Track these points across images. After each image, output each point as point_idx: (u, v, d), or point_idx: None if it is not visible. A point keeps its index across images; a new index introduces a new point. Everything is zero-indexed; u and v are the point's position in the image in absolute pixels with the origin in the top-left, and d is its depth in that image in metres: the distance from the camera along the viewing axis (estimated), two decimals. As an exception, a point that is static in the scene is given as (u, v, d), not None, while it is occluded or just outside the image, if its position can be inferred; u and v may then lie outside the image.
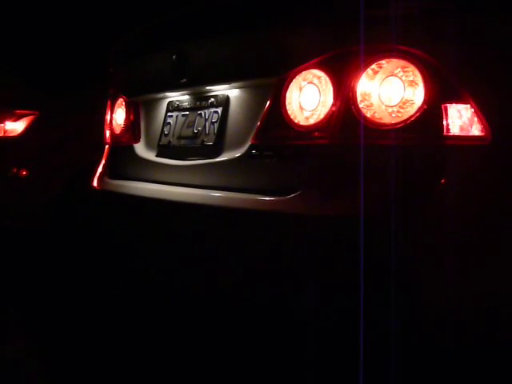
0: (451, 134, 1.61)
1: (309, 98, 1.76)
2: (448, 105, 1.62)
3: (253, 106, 1.96)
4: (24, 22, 4.88)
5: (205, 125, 2.12)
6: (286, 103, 1.81)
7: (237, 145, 1.96)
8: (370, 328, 1.54)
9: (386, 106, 1.65)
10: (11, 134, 4.19)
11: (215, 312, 2.41)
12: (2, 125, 4.18)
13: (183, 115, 2.26)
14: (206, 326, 2.59)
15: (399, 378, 1.57)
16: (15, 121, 4.19)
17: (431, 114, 1.61)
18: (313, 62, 1.76)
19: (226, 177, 1.97)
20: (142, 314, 2.89)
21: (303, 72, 1.78)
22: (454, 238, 1.59)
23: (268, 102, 1.86)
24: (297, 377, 2.06)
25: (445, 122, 1.61)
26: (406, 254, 1.54)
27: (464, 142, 1.63)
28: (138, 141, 2.52)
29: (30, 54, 4.62)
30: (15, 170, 4.18)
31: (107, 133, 2.75)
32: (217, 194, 1.94)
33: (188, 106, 2.25)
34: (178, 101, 2.31)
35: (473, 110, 1.63)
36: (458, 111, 1.63)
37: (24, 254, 4.19)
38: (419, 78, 1.63)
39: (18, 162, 4.21)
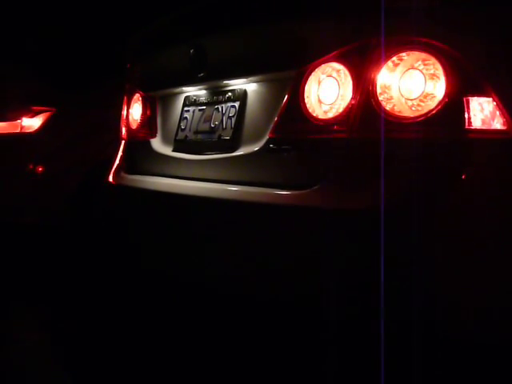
0: (473, 127, 1.59)
1: (328, 91, 1.75)
2: (470, 98, 1.59)
3: (271, 100, 1.94)
4: (40, 19, 4.90)
5: (222, 119, 2.11)
6: (305, 97, 1.79)
7: (254, 139, 1.95)
8: (391, 322, 1.52)
9: (406, 99, 1.63)
10: (28, 131, 4.20)
11: (236, 308, 2.40)
12: (19, 121, 4.20)
13: (200, 110, 2.25)
14: (226, 321, 2.58)
15: (421, 374, 1.56)
16: (32, 117, 4.21)
17: (452, 107, 1.59)
18: (332, 55, 1.74)
19: (243, 171, 1.95)
20: (159, 310, 2.89)
21: (322, 65, 1.76)
22: (475, 231, 1.57)
23: (286, 96, 1.85)
24: (318, 369, 2.05)
25: (466, 116, 1.58)
26: (428, 247, 1.52)
27: (486, 135, 1.60)
28: (154, 136, 2.51)
29: (47, 51, 4.64)
30: (32, 167, 4.20)
31: (123, 128, 2.75)
32: (234, 188, 1.93)
33: (205, 101, 2.24)
34: (194, 95, 2.31)
35: (495, 103, 1.60)
36: (480, 104, 1.60)
37: (41, 249, 4.21)
38: (440, 71, 1.60)
39: (34, 159, 4.22)
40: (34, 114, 4.21)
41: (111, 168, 2.70)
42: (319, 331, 1.80)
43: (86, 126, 4.28)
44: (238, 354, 2.38)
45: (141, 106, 2.61)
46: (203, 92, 2.27)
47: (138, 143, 2.60)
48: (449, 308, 1.58)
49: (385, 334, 1.53)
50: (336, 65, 1.73)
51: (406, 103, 1.62)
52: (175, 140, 2.34)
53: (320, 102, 1.76)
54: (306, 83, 1.79)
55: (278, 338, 2.31)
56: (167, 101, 2.49)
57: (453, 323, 1.61)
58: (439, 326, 1.61)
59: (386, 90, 1.64)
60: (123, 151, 2.73)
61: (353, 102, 1.68)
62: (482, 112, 1.60)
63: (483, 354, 1.67)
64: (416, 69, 1.62)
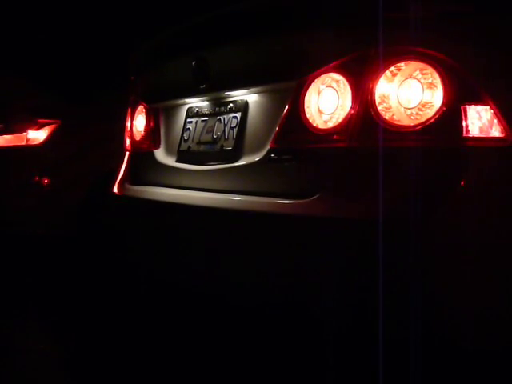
0: (471, 135, 1.60)
1: (327, 101, 1.77)
2: (467, 106, 1.61)
3: (272, 111, 1.97)
4: (46, 33, 4.96)
5: (224, 130, 2.14)
6: (305, 107, 1.81)
7: (256, 149, 1.97)
8: (390, 330, 1.54)
9: (404, 108, 1.65)
10: (34, 143, 4.24)
11: (238, 315, 2.42)
12: (24, 133, 4.24)
13: (202, 121, 2.28)
14: (229, 329, 2.60)
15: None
16: (37, 129, 4.24)
17: (450, 115, 1.61)
18: (331, 65, 1.76)
19: (245, 181, 1.98)
20: (164, 319, 2.91)
21: (321, 76, 1.79)
22: (474, 239, 1.58)
23: (287, 107, 1.87)
24: (317, 377, 2.06)
25: (464, 124, 1.60)
26: (426, 256, 1.53)
27: (484, 143, 1.62)
28: (158, 147, 2.54)
29: (52, 64, 4.69)
30: (37, 179, 4.24)
31: (128, 140, 2.78)
32: (236, 197, 1.95)
33: (207, 112, 2.27)
34: (197, 107, 2.34)
35: (492, 111, 1.62)
36: (478, 113, 1.62)
37: (48, 260, 4.24)
38: (438, 80, 1.63)
39: (40, 171, 4.26)
40: (39, 127, 4.25)
41: (116, 179, 2.73)
42: (318, 337, 1.82)
43: (90, 138, 4.31)
44: (246, 360, 2.40)
45: (144, 118, 2.64)
46: (205, 103, 2.30)
47: (142, 154, 2.63)
48: (447, 315, 1.60)
49: (384, 341, 1.54)
50: (335, 75, 1.76)
51: (405, 112, 1.65)
52: (178, 151, 2.37)
53: (320, 112, 1.79)
54: (306, 94, 1.81)
55: (281, 343, 2.33)
56: (170, 112, 2.52)
57: (452, 330, 1.62)
58: (439, 334, 1.62)
59: (385, 100, 1.66)
60: (127, 162, 2.76)
61: (352, 111, 1.70)
62: (479, 120, 1.62)
63: (483, 361, 1.68)
64: (414, 78, 1.65)
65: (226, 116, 2.15)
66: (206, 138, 2.22)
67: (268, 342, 2.42)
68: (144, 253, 2.48)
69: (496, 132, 1.63)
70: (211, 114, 2.24)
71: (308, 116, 1.80)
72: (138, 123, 2.69)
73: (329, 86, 1.77)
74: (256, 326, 2.40)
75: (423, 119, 1.62)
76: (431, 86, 1.63)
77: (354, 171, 1.69)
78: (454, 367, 1.71)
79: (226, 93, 2.17)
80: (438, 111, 1.61)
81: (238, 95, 2.12)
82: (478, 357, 1.65)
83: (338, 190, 1.69)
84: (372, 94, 1.67)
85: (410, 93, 1.65)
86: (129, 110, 2.79)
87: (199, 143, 2.26)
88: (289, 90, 1.87)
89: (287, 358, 2.32)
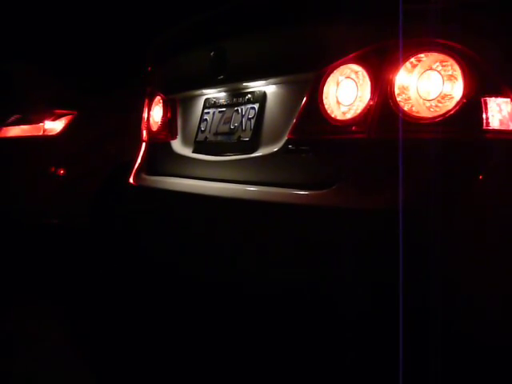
0: (491, 128, 1.60)
1: (346, 92, 1.77)
2: (487, 99, 1.60)
3: (290, 102, 1.97)
4: (63, 23, 4.98)
5: (241, 121, 2.14)
6: (323, 98, 1.81)
7: (273, 140, 1.97)
8: (410, 323, 1.53)
9: (424, 99, 1.64)
10: (50, 133, 4.26)
11: (256, 307, 2.42)
12: (41, 124, 4.26)
13: (220, 111, 2.28)
14: (248, 319, 2.61)
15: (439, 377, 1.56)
16: (54, 120, 4.27)
17: (470, 108, 1.60)
18: (350, 56, 1.76)
19: (262, 172, 1.98)
20: (184, 312, 2.92)
21: (341, 67, 1.78)
22: (493, 231, 1.57)
23: (305, 98, 1.87)
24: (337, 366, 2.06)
25: (484, 116, 1.59)
26: (445, 248, 1.52)
27: (504, 136, 1.61)
28: (174, 137, 2.55)
29: (69, 55, 4.72)
30: (54, 169, 4.26)
31: (144, 130, 2.79)
32: (253, 188, 1.95)
33: (225, 103, 2.27)
34: (214, 97, 2.34)
35: (513, 103, 1.61)
36: (498, 105, 1.61)
37: (63, 251, 4.27)
38: (458, 72, 1.62)
39: (56, 161, 4.28)
40: (56, 117, 4.27)
41: (132, 169, 2.74)
42: (336, 328, 1.82)
43: (107, 129, 4.33)
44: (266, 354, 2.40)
45: (161, 109, 2.65)
46: (223, 94, 2.30)
47: (159, 145, 2.64)
48: (467, 307, 1.59)
49: (405, 336, 1.54)
50: (354, 66, 1.75)
51: (424, 104, 1.64)
52: (195, 141, 2.38)
53: (338, 103, 1.78)
54: (324, 85, 1.81)
55: (298, 332, 2.33)
56: (187, 103, 2.52)
57: (473, 324, 1.62)
58: (459, 327, 1.61)
59: (404, 91, 1.66)
60: (144, 153, 2.77)
61: (371, 102, 1.70)
62: (499, 113, 1.61)
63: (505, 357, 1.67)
64: (434, 70, 1.64)
65: (243, 107, 2.15)
66: (224, 128, 2.22)
67: (286, 332, 2.42)
68: (159, 243, 2.49)
69: (516, 125, 1.62)
70: (229, 105, 2.24)
71: (326, 107, 1.80)
72: (155, 114, 2.69)
73: (348, 77, 1.77)
74: (272, 317, 2.40)
75: (443, 111, 1.61)
76: (451, 77, 1.62)
77: (371, 162, 1.68)
78: (476, 364, 1.70)
79: (244, 83, 2.17)
80: (457, 103, 1.60)
81: (256, 86, 2.12)
82: (501, 354, 1.64)
83: (355, 181, 1.69)
84: (391, 85, 1.67)
85: (429, 84, 1.64)
86: (146, 101, 2.80)
87: (216, 134, 2.26)
88: (307, 80, 1.87)
89: (305, 347, 2.32)
